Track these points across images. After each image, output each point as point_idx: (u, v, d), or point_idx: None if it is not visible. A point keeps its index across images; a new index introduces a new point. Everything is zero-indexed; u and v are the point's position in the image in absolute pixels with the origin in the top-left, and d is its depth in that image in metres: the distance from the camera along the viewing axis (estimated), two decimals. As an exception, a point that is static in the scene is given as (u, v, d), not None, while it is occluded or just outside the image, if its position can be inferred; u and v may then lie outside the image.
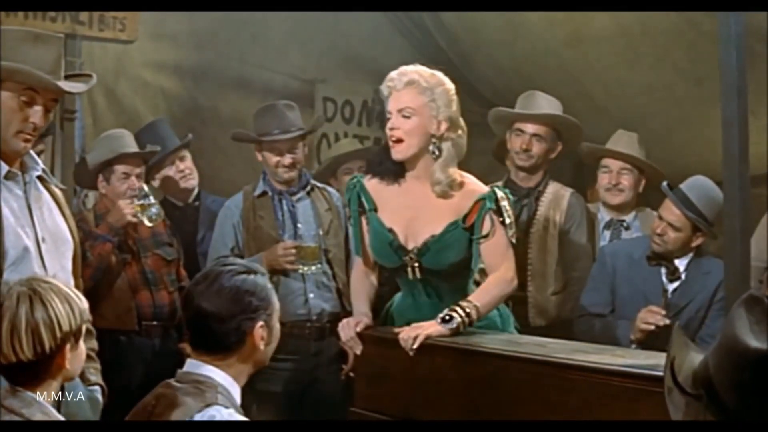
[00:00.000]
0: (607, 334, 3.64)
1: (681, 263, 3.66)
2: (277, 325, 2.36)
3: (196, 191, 4.40)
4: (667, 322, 3.47)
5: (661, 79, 4.44)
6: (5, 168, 2.71)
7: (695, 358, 1.53)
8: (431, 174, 3.02)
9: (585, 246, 4.02)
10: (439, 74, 3.04)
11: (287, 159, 4.00)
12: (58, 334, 2.05)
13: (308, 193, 4.09)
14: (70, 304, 2.09)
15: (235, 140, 4.24)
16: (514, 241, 3.08)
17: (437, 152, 3.00)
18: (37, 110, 2.70)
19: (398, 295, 3.29)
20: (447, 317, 2.89)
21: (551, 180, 4.09)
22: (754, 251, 3.18)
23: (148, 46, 4.75)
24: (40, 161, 2.85)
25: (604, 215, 4.20)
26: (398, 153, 3.02)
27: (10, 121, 2.67)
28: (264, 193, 4.05)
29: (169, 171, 4.29)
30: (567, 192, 4.06)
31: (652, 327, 3.47)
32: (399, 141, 3.00)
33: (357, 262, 3.30)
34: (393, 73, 3.03)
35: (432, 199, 3.04)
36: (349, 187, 3.20)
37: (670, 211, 3.60)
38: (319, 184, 4.18)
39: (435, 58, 5.40)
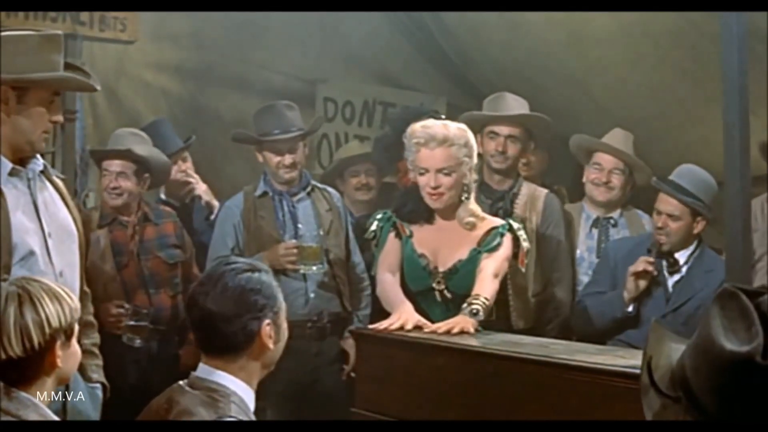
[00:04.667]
0: (600, 307, 3.74)
1: (682, 255, 3.69)
2: (284, 324, 2.33)
3: (193, 194, 4.38)
4: (656, 273, 3.62)
5: (662, 80, 4.44)
6: (9, 165, 2.73)
7: (674, 351, 1.46)
8: (457, 214, 3.30)
9: (563, 246, 4.00)
10: (463, 126, 3.30)
11: (288, 159, 4.01)
12: (48, 331, 2.06)
13: (309, 194, 4.09)
14: (60, 302, 2.11)
15: (235, 141, 4.23)
16: (523, 269, 3.45)
17: (466, 196, 3.29)
18: (59, 107, 2.82)
19: None
20: (474, 311, 3.08)
21: (525, 181, 4.07)
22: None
23: (149, 47, 4.75)
24: (39, 157, 2.86)
25: (590, 213, 4.19)
26: (438, 204, 3.28)
27: (39, 124, 2.75)
28: (264, 194, 4.05)
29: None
30: (542, 192, 4.02)
31: (641, 269, 3.60)
32: (441, 195, 3.25)
33: (380, 273, 3.39)
34: (417, 129, 3.24)
35: (458, 230, 3.30)
36: (384, 218, 3.41)
37: (667, 202, 3.65)
38: (319, 185, 4.18)
39: (435, 58, 5.43)
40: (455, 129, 3.25)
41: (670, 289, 3.68)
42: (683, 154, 4.26)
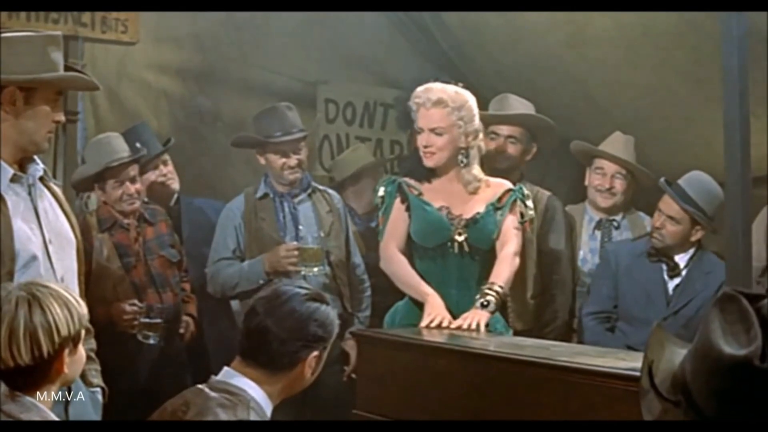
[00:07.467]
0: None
1: (681, 259, 3.70)
2: (324, 358, 2.34)
3: (176, 196, 4.38)
4: None
5: (662, 81, 4.43)
6: (10, 171, 2.72)
7: (676, 355, 1.45)
8: (461, 177, 3.40)
9: (563, 249, 3.98)
10: (462, 91, 3.39)
11: (293, 160, 4.02)
12: (57, 339, 2.04)
13: (309, 195, 4.10)
14: (69, 308, 2.07)
15: (236, 147, 4.24)
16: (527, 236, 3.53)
17: (465, 161, 3.37)
18: (61, 107, 2.82)
19: (402, 303, 3.41)
20: (485, 302, 3.14)
21: (526, 182, 4.06)
22: (753, 251, 3.19)
23: (151, 48, 4.75)
24: (39, 161, 2.86)
25: (593, 215, 4.19)
26: (431, 162, 3.37)
27: (43, 124, 2.75)
28: (265, 195, 4.05)
29: (152, 175, 4.25)
30: (544, 195, 4.00)
31: None
32: (432, 154, 3.36)
33: (389, 249, 3.41)
34: (419, 90, 3.37)
35: (465, 194, 3.40)
36: (389, 181, 3.49)
37: (669, 205, 3.65)
38: (320, 187, 4.19)
39: (436, 59, 5.42)
40: (453, 92, 3.35)
41: (671, 292, 3.68)
42: (683, 154, 4.27)
